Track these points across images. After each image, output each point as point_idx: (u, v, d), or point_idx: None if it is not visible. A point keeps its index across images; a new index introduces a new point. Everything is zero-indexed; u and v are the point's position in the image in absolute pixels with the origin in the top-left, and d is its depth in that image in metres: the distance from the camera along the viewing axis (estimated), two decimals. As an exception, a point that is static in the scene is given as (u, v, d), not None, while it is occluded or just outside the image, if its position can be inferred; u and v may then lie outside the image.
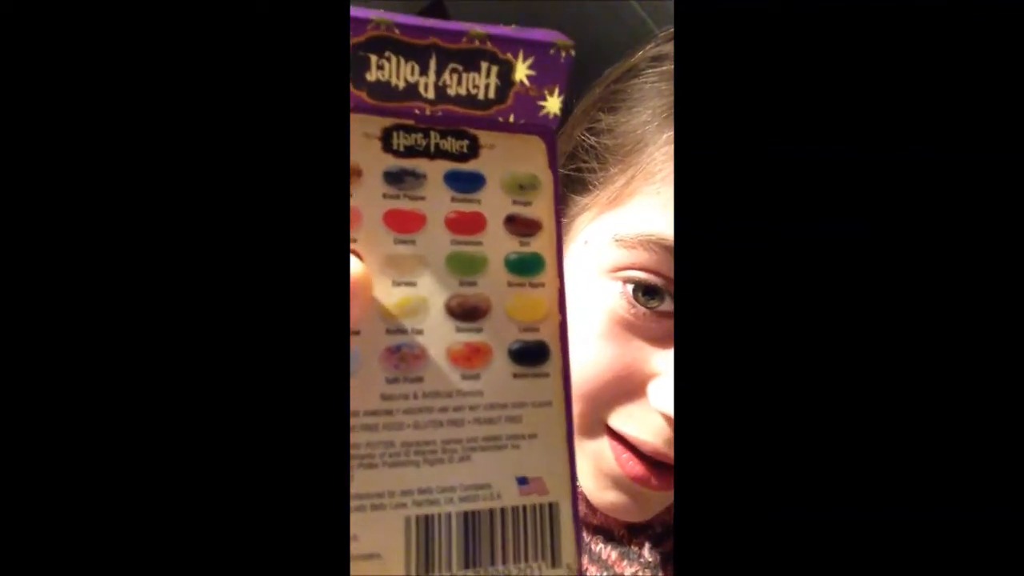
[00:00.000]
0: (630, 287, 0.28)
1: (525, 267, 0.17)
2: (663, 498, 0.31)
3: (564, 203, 0.32)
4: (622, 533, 0.33)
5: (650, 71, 0.31)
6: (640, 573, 0.32)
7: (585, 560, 0.33)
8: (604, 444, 0.30)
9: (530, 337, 0.17)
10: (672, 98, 0.28)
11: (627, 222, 0.28)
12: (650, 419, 0.28)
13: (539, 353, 0.17)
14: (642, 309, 0.28)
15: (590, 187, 0.31)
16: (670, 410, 0.26)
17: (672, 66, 0.29)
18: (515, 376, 0.17)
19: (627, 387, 0.28)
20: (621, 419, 0.29)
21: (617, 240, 0.28)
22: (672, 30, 0.31)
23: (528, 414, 0.17)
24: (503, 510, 0.16)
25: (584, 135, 0.32)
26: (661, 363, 0.28)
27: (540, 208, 0.18)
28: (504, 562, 0.16)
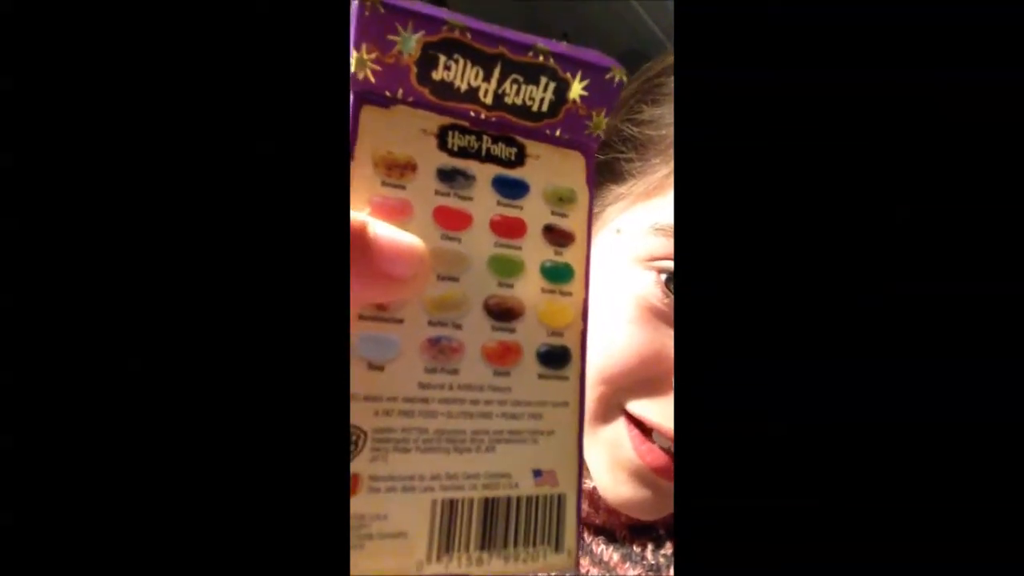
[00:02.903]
0: (664, 276, 0.28)
1: (558, 275, 0.19)
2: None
3: (598, 191, 0.32)
4: (624, 534, 0.33)
5: None
6: (643, 575, 0.32)
7: (586, 561, 0.33)
8: (621, 431, 0.30)
9: (556, 341, 0.18)
10: None
11: (667, 211, 0.29)
12: (672, 407, 0.28)
13: (562, 357, 0.18)
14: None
15: (627, 176, 0.31)
16: None
17: None
18: (540, 376, 0.18)
19: (652, 374, 0.29)
20: (642, 405, 0.29)
21: (656, 229, 0.28)
22: None
23: (548, 412, 0.18)
24: (519, 499, 0.17)
25: (625, 125, 0.32)
26: None
27: (575, 221, 0.19)
28: (515, 545, 0.17)
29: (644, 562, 0.33)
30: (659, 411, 0.29)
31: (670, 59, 0.33)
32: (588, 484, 0.33)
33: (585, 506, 0.33)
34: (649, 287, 0.29)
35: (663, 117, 0.31)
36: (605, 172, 0.32)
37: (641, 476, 0.30)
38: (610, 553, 0.33)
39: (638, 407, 0.29)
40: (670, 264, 0.28)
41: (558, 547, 0.18)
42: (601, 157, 0.32)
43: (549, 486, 0.18)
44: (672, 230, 0.28)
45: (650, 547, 0.33)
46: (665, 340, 0.28)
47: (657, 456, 0.29)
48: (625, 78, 0.18)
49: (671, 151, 0.30)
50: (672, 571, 0.32)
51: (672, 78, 0.32)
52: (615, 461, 0.30)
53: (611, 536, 0.34)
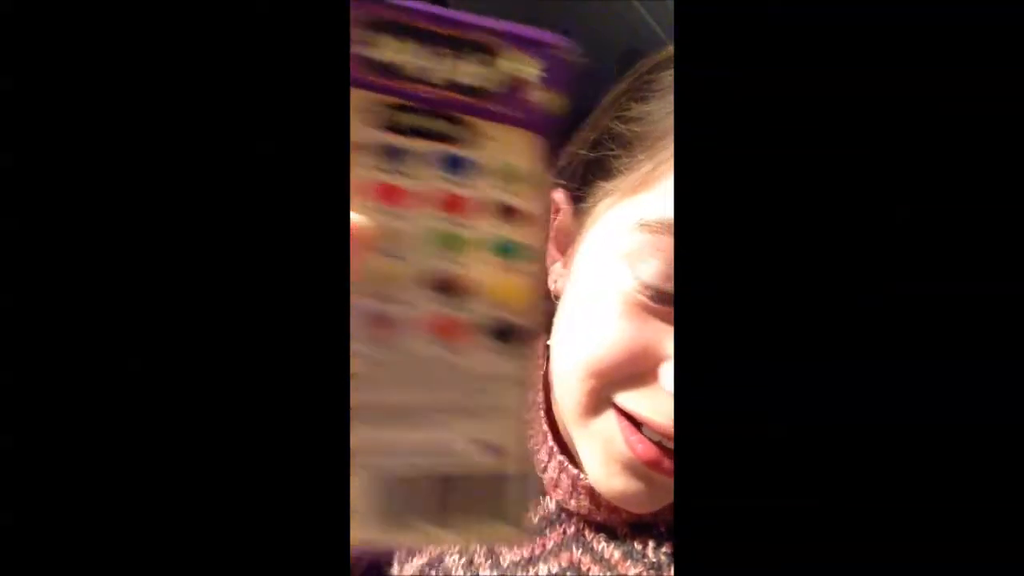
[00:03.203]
0: (647, 271, 0.28)
1: (509, 252, 0.19)
2: (672, 487, 0.30)
3: (589, 188, 0.32)
4: (625, 532, 0.33)
5: None
6: (644, 573, 0.32)
7: (588, 559, 0.32)
8: (612, 424, 0.30)
9: (507, 317, 0.18)
10: None
11: (653, 207, 0.29)
12: (660, 400, 0.28)
13: (515, 334, 0.18)
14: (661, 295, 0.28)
15: (615, 173, 0.31)
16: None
17: None
18: (491, 352, 0.18)
19: (640, 368, 0.29)
20: (631, 398, 0.29)
21: (642, 225, 0.29)
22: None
23: (499, 388, 0.18)
24: (469, 474, 0.17)
25: (613, 123, 0.32)
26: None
27: (528, 199, 0.19)
28: (466, 520, 0.17)
29: (645, 560, 0.32)
30: (648, 404, 0.29)
31: (660, 56, 0.33)
32: (586, 479, 0.32)
33: (586, 503, 0.33)
34: (634, 282, 0.29)
35: (651, 114, 0.31)
36: (595, 170, 0.32)
37: (633, 468, 0.30)
38: (611, 551, 0.33)
39: (627, 400, 0.29)
40: (654, 261, 0.28)
41: (509, 521, 0.18)
42: (592, 155, 0.33)
43: (499, 461, 0.18)
44: (657, 225, 0.28)
45: (651, 544, 0.33)
46: (651, 335, 0.29)
47: (648, 448, 0.29)
48: (579, 57, 0.19)
49: (657, 146, 0.30)
50: (673, 570, 0.32)
51: (661, 75, 0.32)
52: (607, 454, 0.30)
53: (612, 533, 0.33)
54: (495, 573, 0.33)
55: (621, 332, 0.29)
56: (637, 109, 0.31)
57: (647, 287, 0.28)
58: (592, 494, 0.32)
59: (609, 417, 0.30)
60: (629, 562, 0.32)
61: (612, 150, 0.32)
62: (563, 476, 0.33)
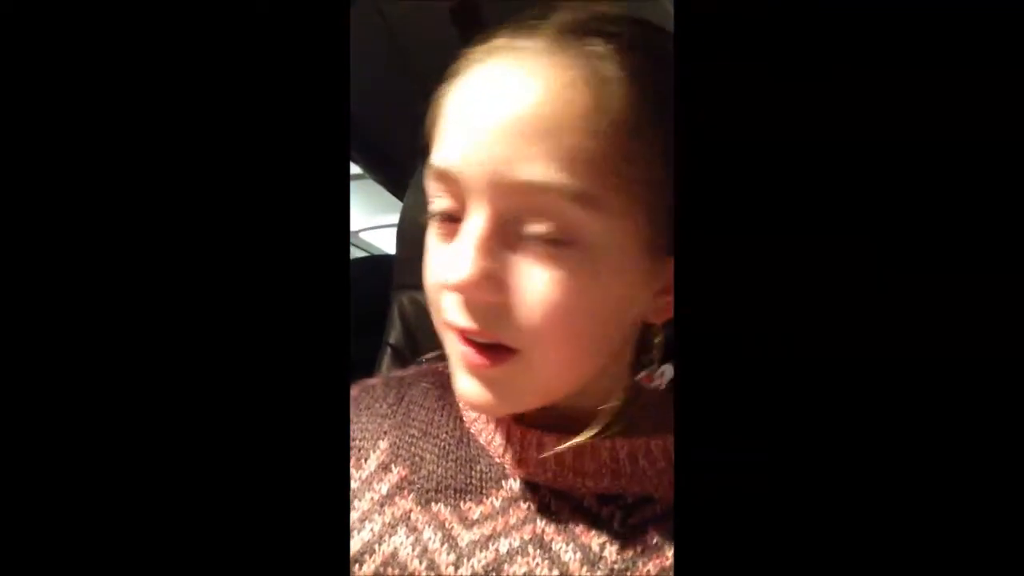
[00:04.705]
0: (435, 214, 0.31)
1: None
2: (507, 384, 0.31)
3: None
4: (591, 503, 0.33)
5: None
6: (608, 544, 0.31)
7: (552, 530, 0.32)
8: (454, 341, 0.31)
9: None
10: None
11: (435, 155, 0.31)
12: (451, 301, 0.30)
13: None
14: (443, 224, 0.30)
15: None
16: (449, 279, 0.28)
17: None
18: None
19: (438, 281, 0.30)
20: (444, 309, 0.31)
21: (427, 168, 0.31)
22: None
23: None
24: None
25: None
26: (450, 253, 0.29)
27: None
28: None
29: (612, 529, 0.32)
30: (450, 309, 0.30)
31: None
32: (539, 435, 0.33)
33: (552, 468, 0.33)
34: (432, 222, 0.31)
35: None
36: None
37: (471, 371, 0.30)
38: (576, 521, 0.32)
39: (443, 316, 0.31)
40: (437, 200, 0.30)
41: None
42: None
43: None
44: (435, 169, 0.30)
45: (618, 515, 0.32)
46: (441, 258, 0.30)
47: (467, 352, 0.30)
48: None
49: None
50: (646, 537, 0.31)
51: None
52: (457, 366, 0.31)
53: (577, 505, 0.33)
54: (452, 556, 0.32)
55: (430, 260, 0.31)
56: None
57: (432, 216, 0.31)
58: (555, 455, 0.32)
59: (450, 338, 0.31)
60: (594, 531, 0.31)
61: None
62: (524, 447, 0.33)
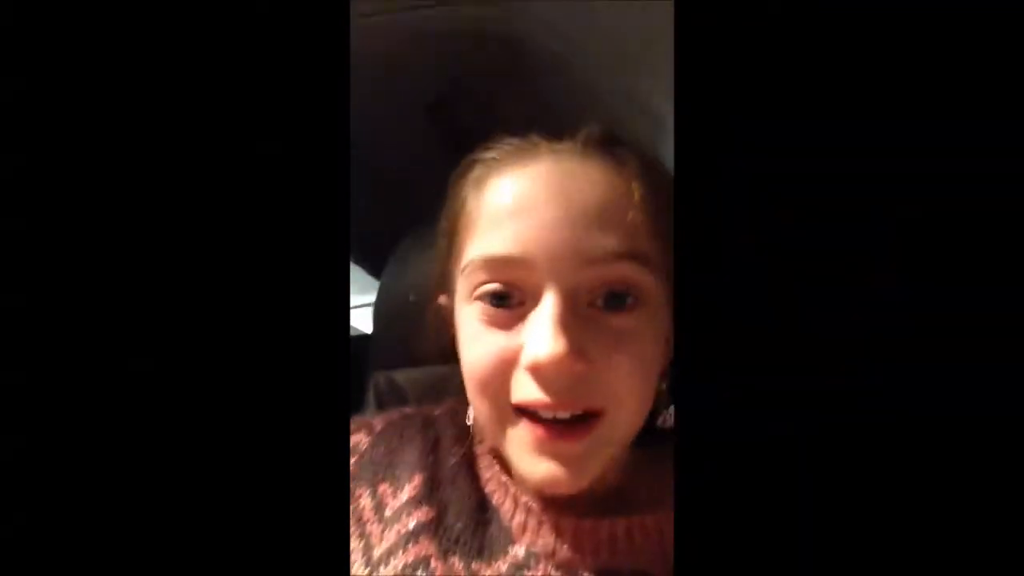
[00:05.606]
0: (486, 298, 0.33)
1: None
2: (587, 456, 0.32)
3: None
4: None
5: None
6: None
7: None
8: (522, 425, 0.32)
9: None
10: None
11: (475, 249, 0.34)
12: (526, 381, 0.31)
13: None
14: (498, 310, 0.33)
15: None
16: (538, 356, 0.30)
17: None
18: None
19: (507, 364, 0.32)
20: (515, 390, 0.32)
21: (463, 271, 0.34)
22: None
23: None
24: None
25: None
26: (524, 335, 0.31)
27: None
28: None
29: None
30: (525, 387, 0.31)
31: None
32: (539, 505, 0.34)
33: (550, 540, 0.34)
34: (479, 307, 0.33)
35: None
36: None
37: (543, 450, 0.32)
38: None
39: (515, 394, 0.32)
40: (486, 288, 0.33)
41: None
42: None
43: None
44: (475, 264, 0.33)
45: None
46: (503, 341, 0.32)
47: (542, 427, 0.32)
48: None
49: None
50: None
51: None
52: (523, 447, 0.32)
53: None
54: None
55: (481, 347, 0.33)
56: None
57: (488, 306, 0.33)
58: (557, 529, 0.34)
59: (517, 419, 0.32)
60: None
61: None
62: (529, 517, 0.34)
